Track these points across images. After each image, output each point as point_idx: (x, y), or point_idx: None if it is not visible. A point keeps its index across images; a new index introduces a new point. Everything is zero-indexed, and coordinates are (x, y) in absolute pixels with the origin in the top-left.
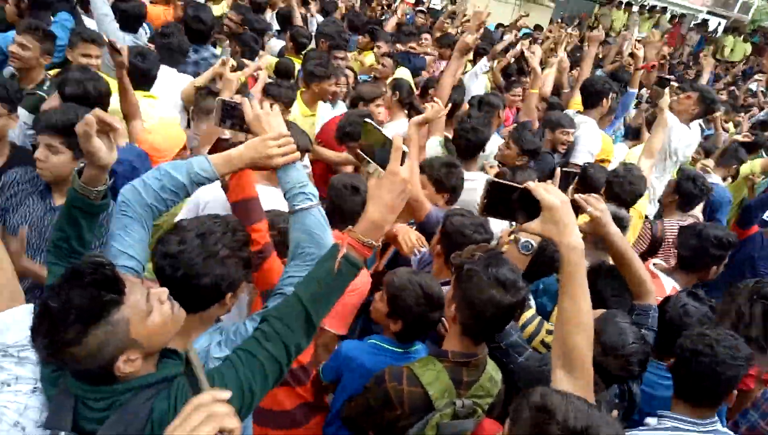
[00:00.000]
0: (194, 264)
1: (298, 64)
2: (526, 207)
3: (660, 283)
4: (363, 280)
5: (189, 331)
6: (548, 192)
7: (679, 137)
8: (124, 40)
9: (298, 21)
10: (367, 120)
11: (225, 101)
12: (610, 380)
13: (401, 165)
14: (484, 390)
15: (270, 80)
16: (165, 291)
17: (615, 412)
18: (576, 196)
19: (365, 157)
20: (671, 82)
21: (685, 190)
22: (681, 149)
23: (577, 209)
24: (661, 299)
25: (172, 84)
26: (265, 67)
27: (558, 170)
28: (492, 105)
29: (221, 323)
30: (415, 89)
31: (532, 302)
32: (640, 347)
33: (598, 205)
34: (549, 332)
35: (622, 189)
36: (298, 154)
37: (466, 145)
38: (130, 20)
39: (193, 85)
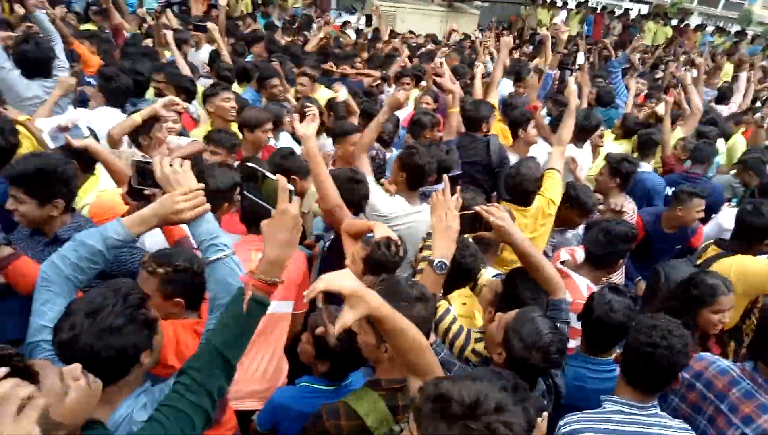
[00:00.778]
0: (91, 345)
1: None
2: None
3: (572, 281)
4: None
5: (111, 399)
6: (340, 282)
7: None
8: (29, 88)
9: (226, 57)
10: (249, 163)
11: (137, 161)
12: (536, 374)
13: (289, 202)
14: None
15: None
16: (78, 367)
17: (545, 414)
18: (477, 208)
19: (253, 197)
20: (572, 68)
21: (622, 171)
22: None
23: (481, 220)
24: (583, 299)
25: None
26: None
27: (444, 177)
28: (421, 124)
29: (147, 384)
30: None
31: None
32: (556, 337)
33: (500, 215)
34: (478, 340)
35: (515, 190)
36: (207, 206)
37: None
38: (33, 65)
39: (134, 121)
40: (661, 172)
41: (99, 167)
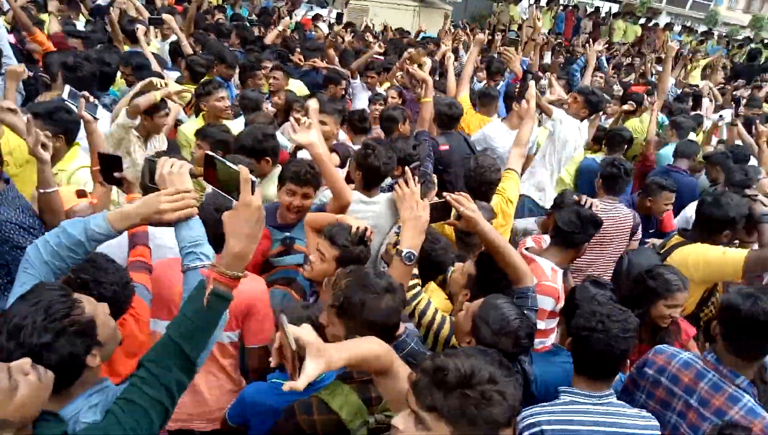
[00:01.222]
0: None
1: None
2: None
3: (537, 265)
4: None
5: (66, 395)
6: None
7: (569, 130)
8: None
9: (188, 50)
10: (209, 153)
11: (151, 160)
12: (509, 359)
13: (252, 194)
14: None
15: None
16: (27, 361)
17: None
18: (448, 197)
19: (217, 190)
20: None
21: (605, 174)
22: (571, 142)
23: (450, 209)
24: (548, 280)
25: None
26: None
27: (407, 169)
28: (393, 119)
29: (107, 383)
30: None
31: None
32: (524, 322)
33: (469, 206)
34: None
35: (475, 181)
36: (191, 211)
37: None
38: None
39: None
40: (640, 168)
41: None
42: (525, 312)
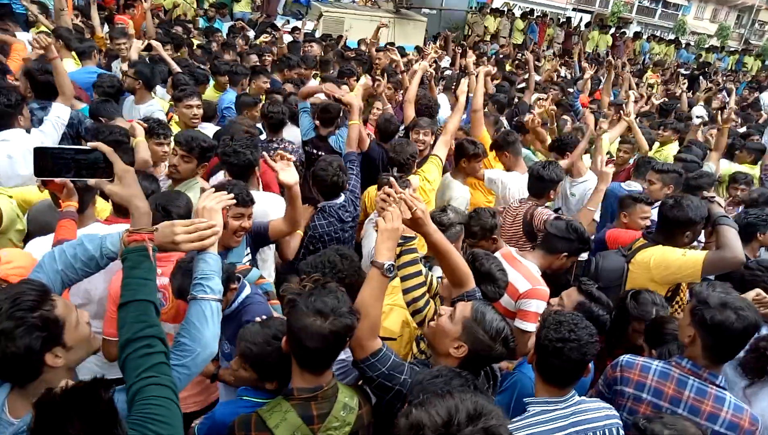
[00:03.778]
0: None
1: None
2: None
3: (526, 269)
4: None
5: (27, 398)
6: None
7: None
8: None
9: (176, 68)
10: (39, 147)
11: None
12: (494, 363)
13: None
14: (339, 420)
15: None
16: None
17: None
18: (404, 195)
19: (78, 180)
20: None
21: (533, 174)
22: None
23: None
24: (539, 284)
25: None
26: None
27: (391, 179)
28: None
29: None
30: None
31: None
32: (508, 326)
33: (420, 206)
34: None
35: (395, 151)
36: (208, 242)
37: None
38: None
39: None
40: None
41: None
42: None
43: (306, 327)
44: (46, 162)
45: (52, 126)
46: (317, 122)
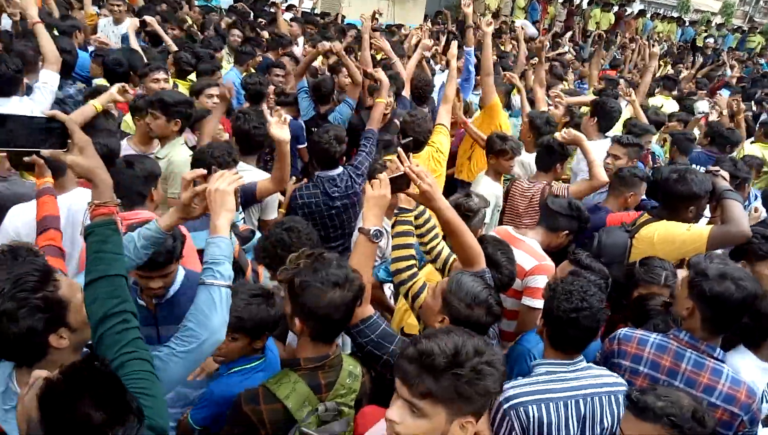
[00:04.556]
0: None
1: (181, 87)
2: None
3: (529, 247)
4: None
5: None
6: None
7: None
8: None
9: (172, 46)
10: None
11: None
12: (481, 331)
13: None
14: (345, 387)
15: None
16: None
17: None
18: (407, 169)
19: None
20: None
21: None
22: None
23: (408, 181)
24: (544, 259)
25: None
26: None
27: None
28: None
29: None
30: None
31: None
32: (492, 291)
33: (426, 180)
34: None
35: (414, 131)
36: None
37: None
38: None
39: (93, 109)
40: None
41: None
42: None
43: (332, 301)
44: None
45: (41, 93)
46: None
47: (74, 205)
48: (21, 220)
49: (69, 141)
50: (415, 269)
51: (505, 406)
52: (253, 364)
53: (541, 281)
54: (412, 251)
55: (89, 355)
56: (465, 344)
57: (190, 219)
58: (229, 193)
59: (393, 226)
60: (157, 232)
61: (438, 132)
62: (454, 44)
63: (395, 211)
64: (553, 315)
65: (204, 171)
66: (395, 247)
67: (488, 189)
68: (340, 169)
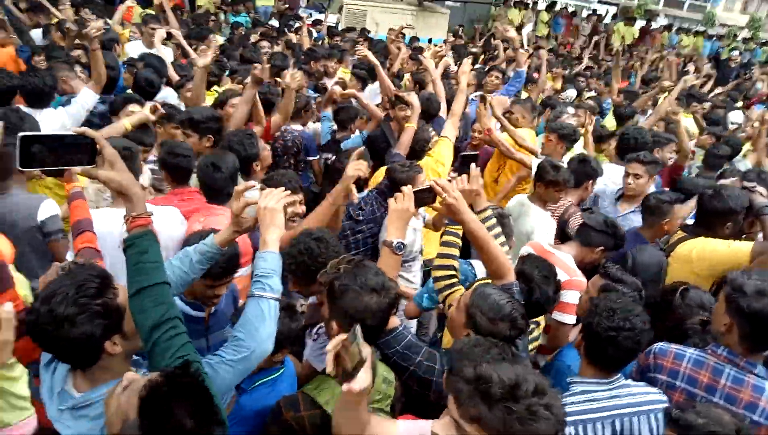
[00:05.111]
0: (45, 331)
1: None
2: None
3: (560, 260)
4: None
5: (93, 378)
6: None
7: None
8: None
9: (198, 60)
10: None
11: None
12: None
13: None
14: (381, 393)
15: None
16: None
17: None
18: (432, 182)
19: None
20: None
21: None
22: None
23: (434, 195)
24: (576, 275)
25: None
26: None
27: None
28: None
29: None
30: None
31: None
32: (516, 304)
33: (453, 193)
34: None
35: (414, 147)
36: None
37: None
38: None
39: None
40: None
41: None
42: (514, 296)
43: (368, 306)
44: (30, 151)
45: (78, 108)
46: (335, 126)
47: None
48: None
49: (98, 156)
50: (455, 280)
51: None
52: (276, 375)
53: (571, 296)
54: (455, 263)
55: (185, 362)
56: (527, 380)
57: (244, 232)
58: (278, 210)
59: (441, 236)
60: (213, 247)
61: (440, 144)
62: (467, 61)
63: (445, 221)
64: (593, 331)
65: (254, 183)
66: (439, 256)
67: (541, 221)
68: (364, 191)
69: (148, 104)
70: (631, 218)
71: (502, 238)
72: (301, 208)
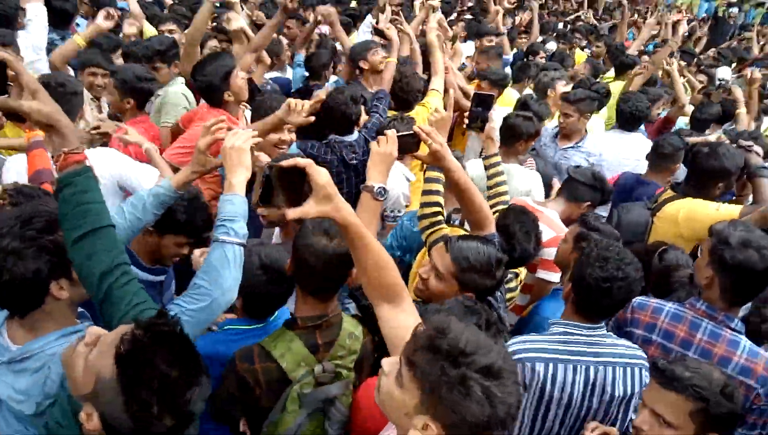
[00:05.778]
0: None
1: None
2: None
3: (547, 217)
4: None
5: (33, 327)
6: (317, 172)
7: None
8: None
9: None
10: None
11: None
12: (483, 296)
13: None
14: (345, 348)
15: None
16: None
17: None
18: (416, 128)
19: None
20: None
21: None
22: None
23: (418, 141)
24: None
25: None
26: None
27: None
28: None
29: (83, 326)
30: None
31: None
32: (493, 251)
33: (437, 139)
34: None
35: (402, 90)
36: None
37: None
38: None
39: (75, 44)
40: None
41: None
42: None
43: (311, 244)
44: None
45: (34, 25)
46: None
47: None
48: (15, 172)
49: (10, 84)
50: (440, 218)
51: (514, 357)
52: (243, 326)
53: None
54: (440, 199)
55: (160, 311)
56: (485, 354)
57: (204, 173)
58: (245, 150)
59: (424, 175)
60: (169, 190)
61: (431, 94)
62: (434, 16)
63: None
64: (584, 283)
65: (224, 117)
66: (424, 193)
67: (533, 183)
68: (357, 134)
69: (101, 13)
70: (571, 153)
71: (506, 187)
72: (291, 136)
